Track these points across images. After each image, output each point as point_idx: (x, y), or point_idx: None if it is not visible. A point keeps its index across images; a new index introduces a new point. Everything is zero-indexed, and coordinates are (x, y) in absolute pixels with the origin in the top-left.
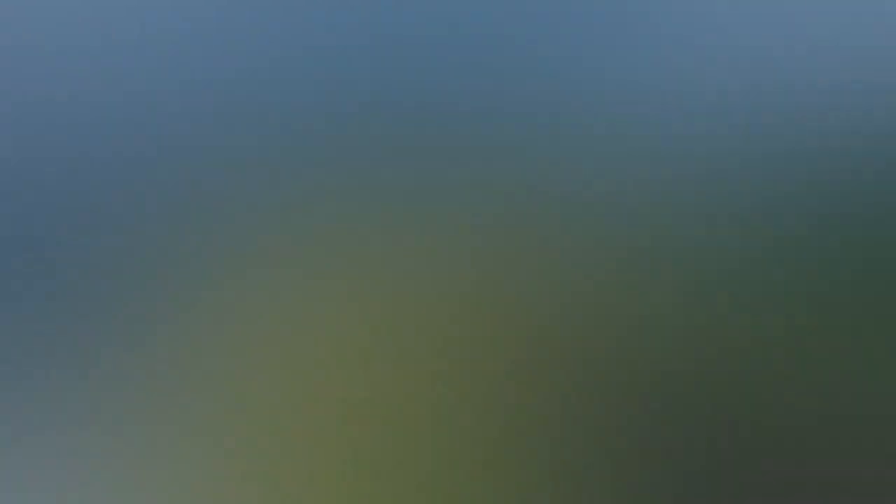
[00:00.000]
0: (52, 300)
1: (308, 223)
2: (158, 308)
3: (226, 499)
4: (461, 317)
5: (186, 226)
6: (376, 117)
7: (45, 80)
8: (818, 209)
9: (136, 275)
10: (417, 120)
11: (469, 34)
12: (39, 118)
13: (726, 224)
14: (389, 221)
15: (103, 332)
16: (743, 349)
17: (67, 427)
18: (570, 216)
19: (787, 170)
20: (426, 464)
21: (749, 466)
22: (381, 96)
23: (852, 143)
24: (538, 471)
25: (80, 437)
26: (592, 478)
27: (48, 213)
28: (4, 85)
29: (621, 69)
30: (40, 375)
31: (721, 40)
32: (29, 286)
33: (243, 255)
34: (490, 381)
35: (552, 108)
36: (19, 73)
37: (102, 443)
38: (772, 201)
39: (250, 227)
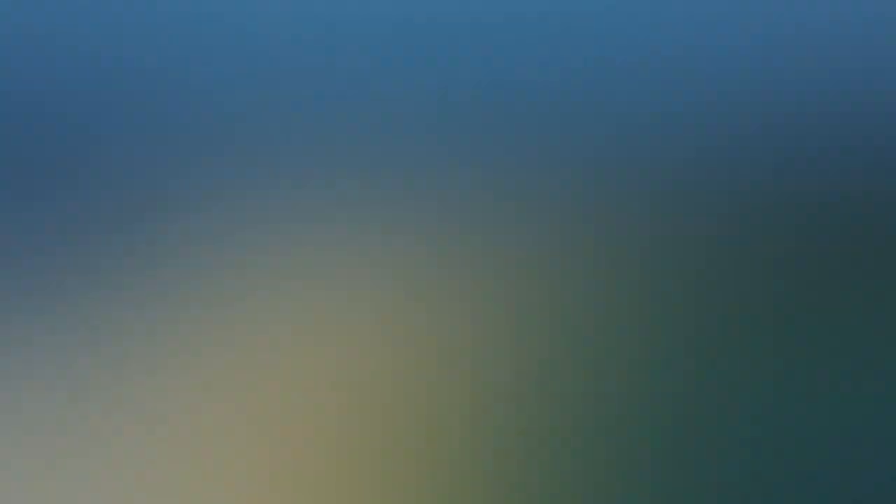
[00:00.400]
0: (52, 300)
1: (307, 224)
2: (157, 310)
3: (224, 497)
4: (461, 318)
5: (186, 226)
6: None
7: (45, 80)
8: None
9: (135, 274)
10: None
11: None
12: (38, 115)
13: (725, 226)
14: (390, 225)
15: (103, 330)
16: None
17: (66, 425)
18: (565, 220)
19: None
20: (422, 466)
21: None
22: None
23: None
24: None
25: (79, 436)
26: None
27: (48, 213)
28: (5, 84)
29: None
30: (40, 374)
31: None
32: (29, 286)
33: (244, 253)
34: (490, 384)
35: (549, 109)
36: (16, 67)
37: (101, 441)
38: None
39: (252, 227)
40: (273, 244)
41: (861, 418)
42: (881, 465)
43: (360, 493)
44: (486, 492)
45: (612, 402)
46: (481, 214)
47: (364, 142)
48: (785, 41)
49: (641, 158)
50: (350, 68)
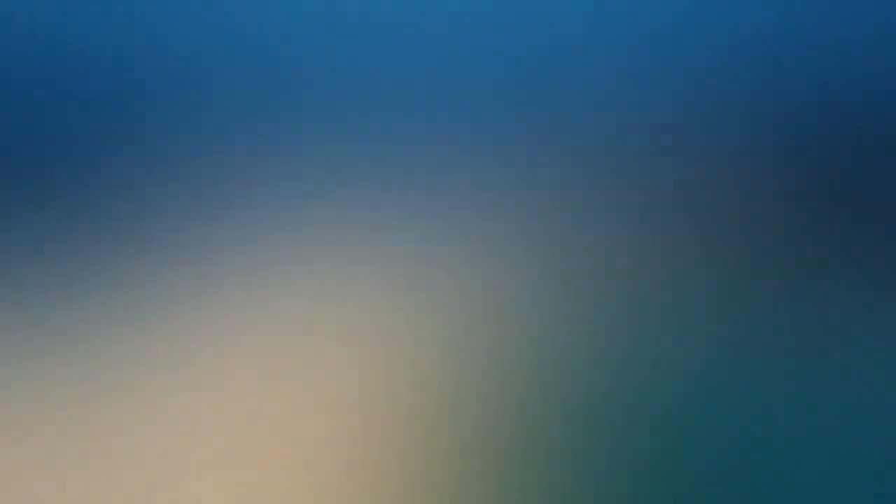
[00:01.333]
0: (52, 300)
1: (307, 225)
2: (157, 313)
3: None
4: (462, 319)
5: (185, 227)
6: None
7: (47, 80)
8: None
9: (136, 275)
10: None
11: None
12: (39, 116)
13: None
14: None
15: (103, 329)
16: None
17: (65, 424)
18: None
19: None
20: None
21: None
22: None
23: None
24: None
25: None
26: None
27: (49, 213)
28: (6, 84)
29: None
30: (39, 373)
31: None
32: (30, 284)
33: (244, 254)
34: (490, 390)
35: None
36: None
37: (101, 441)
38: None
39: (252, 228)
40: (273, 245)
41: (863, 420)
42: (881, 465)
43: (361, 494)
44: (489, 493)
45: (617, 404)
46: (481, 215)
47: (364, 142)
48: (784, 41)
49: (641, 158)
50: (351, 67)
